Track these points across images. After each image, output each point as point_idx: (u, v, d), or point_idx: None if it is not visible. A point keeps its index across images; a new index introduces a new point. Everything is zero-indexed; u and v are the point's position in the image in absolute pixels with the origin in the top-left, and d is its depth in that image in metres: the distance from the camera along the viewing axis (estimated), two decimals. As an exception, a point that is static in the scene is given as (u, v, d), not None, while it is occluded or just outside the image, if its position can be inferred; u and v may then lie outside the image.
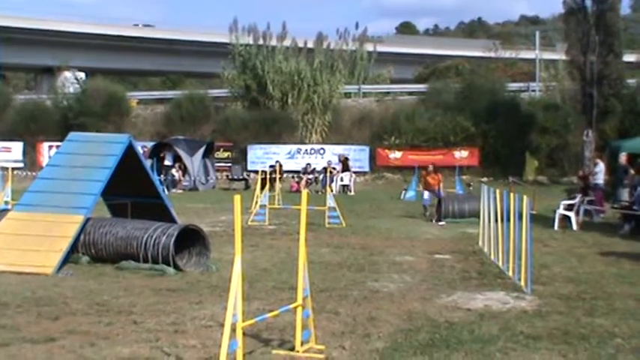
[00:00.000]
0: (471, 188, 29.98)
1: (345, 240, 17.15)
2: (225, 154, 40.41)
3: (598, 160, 24.21)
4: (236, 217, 6.74)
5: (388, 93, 47.60)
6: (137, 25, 76.64)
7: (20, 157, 41.81)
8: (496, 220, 13.30)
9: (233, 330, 6.52)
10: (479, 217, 16.15)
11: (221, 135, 41.47)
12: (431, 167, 23.47)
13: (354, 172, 36.38)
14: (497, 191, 13.46)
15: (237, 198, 6.65)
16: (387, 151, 40.17)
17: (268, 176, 24.45)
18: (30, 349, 7.77)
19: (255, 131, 40.99)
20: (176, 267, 12.39)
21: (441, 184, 23.04)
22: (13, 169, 27.27)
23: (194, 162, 35.93)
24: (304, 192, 8.10)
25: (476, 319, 9.24)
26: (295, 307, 7.70)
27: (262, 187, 22.89)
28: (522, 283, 11.11)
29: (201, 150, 36.56)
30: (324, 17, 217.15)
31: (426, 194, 23.04)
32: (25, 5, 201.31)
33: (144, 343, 8.00)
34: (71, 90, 46.35)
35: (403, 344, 8.10)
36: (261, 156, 39.90)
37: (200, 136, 40.98)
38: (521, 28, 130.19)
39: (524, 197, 11.25)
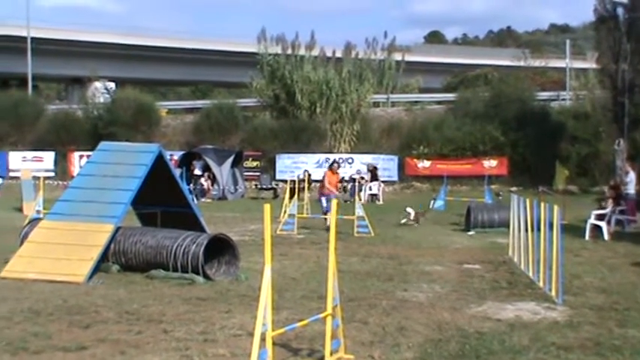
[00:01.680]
0: (500, 198, 29.80)
1: (373, 249, 17.11)
2: (254, 164, 40.52)
3: (629, 170, 23.95)
4: (266, 226, 6.74)
5: (417, 102, 47.50)
6: (166, 35, 77.01)
7: (52, 167, 42.19)
8: (526, 230, 13.21)
9: (263, 339, 6.51)
10: (508, 226, 16.05)
11: (250, 144, 41.58)
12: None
13: (383, 182, 36.32)
14: (528, 201, 13.36)
15: (266, 207, 6.66)
16: (415, 160, 40.06)
17: (297, 185, 24.45)
18: (62, 357, 7.83)
19: (284, 140, 41.06)
20: (205, 276, 12.42)
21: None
22: (45, 178, 27.52)
23: (223, 171, 36.03)
24: (334, 201, 8.09)
25: (506, 330, 9.17)
26: (325, 317, 7.69)
27: (291, 197, 22.89)
28: (553, 293, 11.02)
29: (230, 159, 36.66)
30: (353, 27, 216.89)
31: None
32: (56, 17, 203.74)
33: (174, 352, 8.03)
34: (101, 100, 46.78)
35: (433, 354, 8.07)
36: (289, 165, 39.95)
37: (229, 145, 41.09)
38: (551, 37, 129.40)
39: (555, 207, 11.16)
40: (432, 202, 30.31)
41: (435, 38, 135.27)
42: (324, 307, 7.85)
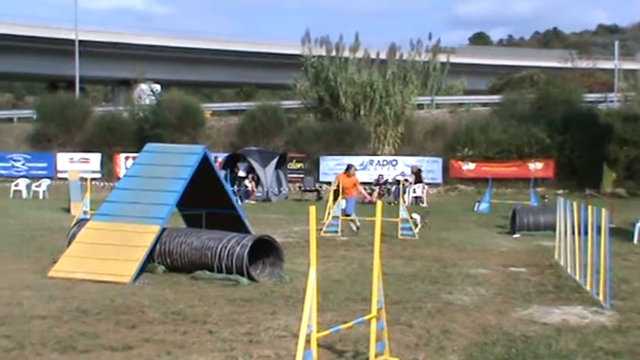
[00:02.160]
0: (546, 201, 29.49)
1: (418, 252, 17.03)
2: (298, 165, 40.63)
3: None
4: (311, 228, 6.75)
5: (461, 104, 47.27)
6: (211, 37, 77.55)
7: (98, 168, 42.75)
8: (573, 233, 13.05)
9: (307, 341, 6.51)
10: (554, 230, 15.87)
11: (294, 146, 41.69)
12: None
13: (427, 184, 36.16)
14: (575, 204, 13.20)
15: (312, 209, 6.66)
16: (460, 162, 39.87)
17: (341, 187, 24.38)
18: (109, 356, 7.91)
19: (328, 142, 41.11)
20: (250, 277, 12.46)
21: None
22: (92, 179, 27.86)
23: (267, 173, 36.14)
24: (378, 203, 8.06)
25: (553, 334, 9.07)
26: (369, 319, 7.66)
27: (335, 199, 22.89)
28: (601, 297, 10.87)
29: (274, 161, 36.76)
30: (397, 28, 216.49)
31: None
32: (102, 19, 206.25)
33: (219, 353, 8.07)
34: (147, 102, 47.27)
35: (478, 358, 8.01)
36: (333, 167, 39.94)
37: (273, 147, 41.25)
38: (598, 38, 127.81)
39: (603, 210, 11.01)
40: (476, 204, 30.12)
41: (479, 40, 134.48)
42: (369, 310, 7.83)
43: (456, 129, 41.59)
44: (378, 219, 7.71)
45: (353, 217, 21.10)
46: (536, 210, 23.07)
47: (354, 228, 20.93)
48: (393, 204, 29.50)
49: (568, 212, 13.62)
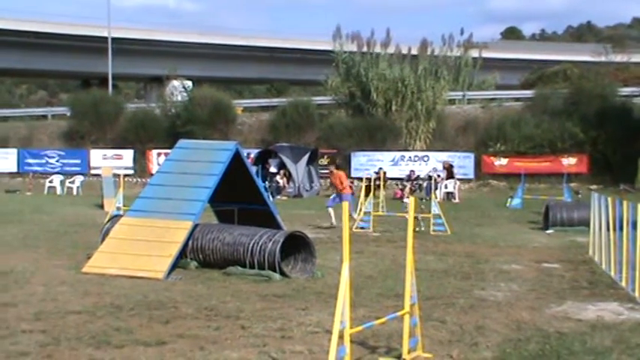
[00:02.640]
0: (579, 196, 29.24)
1: (450, 248, 16.96)
2: (329, 161, 40.57)
3: None
4: (344, 223, 6.74)
5: (493, 99, 46.88)
6: (242, 33, 77.77)
7: (130, 164, 43.05)
8: (608, 229, 12.92)
9: (340, 337, 6.51)
10: (588, 225, 15.73)
11: (325, 142, 41.68)
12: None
13: (459, 179, 36.00)
14: (610, 199, 13.07)
15: (345, 205, 6.67)
16: (492, 158, 39.62)
17: (372, 183, 24.38)
18: (142, 351, 7.96)
19: (359, 138, 41.05)
20: (282, 273, 12.49)
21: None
22: (124, 175, 28.05)
23: (298, 169, 36.20)
24: (411, 199, 8.03)
25: (587, 330, 8.98)
26: (402, 315, 7.64)
27: (366, 195, 22.87)
28: (637, 294, 10.74)
29: (306, 157, 36.80)
30: (429, 23, 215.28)
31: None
32: (134, 16, 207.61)
33: (252, 348, 8.09)
34: (179, 98, 47.44)
35: (512, 354, 7.95)
36: (364, 163, 39.92)
37: (304, 143, 41.26)
38: (633, 31, 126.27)
39: (639, 205, 10.88)
40: (509, 200, 29.93)
41: (512, 34, 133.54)
42: (401, 305, 7.82)
43: (488, 124, 41.32)
44: (411, 214, 7.69)
45: (330, 211, 21.40)
46: (569, 205, 22.88)
47: (333, 222, 21.14)
48: (425, 200, 29.42)
49: (603, 207, 13.49)
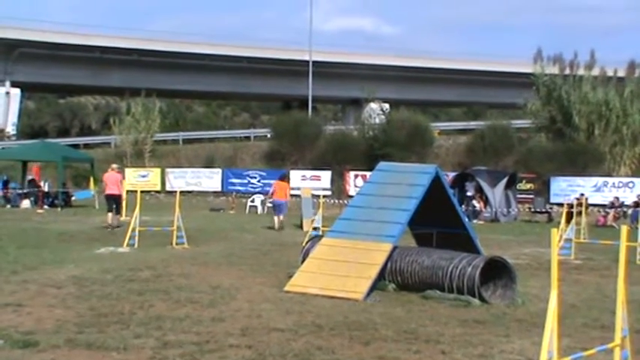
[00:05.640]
0: None
1: (659, 279, 16.08)
2: (528, 186, 39.66)
3: None
4: (553, 250, 6.57)
5: None
6: (440, 56, 77.76)
7: (328, 185, 43.88)
8: None
9: (547, 367, 6.33)
10: None
11: (523, 166, 40.86)
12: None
13: (667, 207, 34.15)
14: None
15: (554, 232, 6.50)
16: None
17: (575, 210, 23.64)
18: (345, 371, 8.06)
19: (559, 163, 39.96)
20: (481, 298, 12.31)
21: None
22: (323, 196, 28.66)
23: (496, 193, 35.64)
24: (624, 228, 7.70)
25: None
26: (613, 347, 7.33)
27: (568, 221, 22.18)
28: None
29: (504, 181, 36.19)
30: (637, 44, 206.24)
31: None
32: (333, 40, 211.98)
33: (453, 374, 8.02)
34: (376, 121, 47.99)
35: None
36: (564, 188, 38.73)
37: (502, 167, 40.65)
38: None
39: None
40: None
41: None
42: (608, 337, 7.50)
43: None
44: (624, 243, 7.37)
45: (281, 217, 26.67)
46: None
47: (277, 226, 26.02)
48: (630, 227, 28.13)
49: None
